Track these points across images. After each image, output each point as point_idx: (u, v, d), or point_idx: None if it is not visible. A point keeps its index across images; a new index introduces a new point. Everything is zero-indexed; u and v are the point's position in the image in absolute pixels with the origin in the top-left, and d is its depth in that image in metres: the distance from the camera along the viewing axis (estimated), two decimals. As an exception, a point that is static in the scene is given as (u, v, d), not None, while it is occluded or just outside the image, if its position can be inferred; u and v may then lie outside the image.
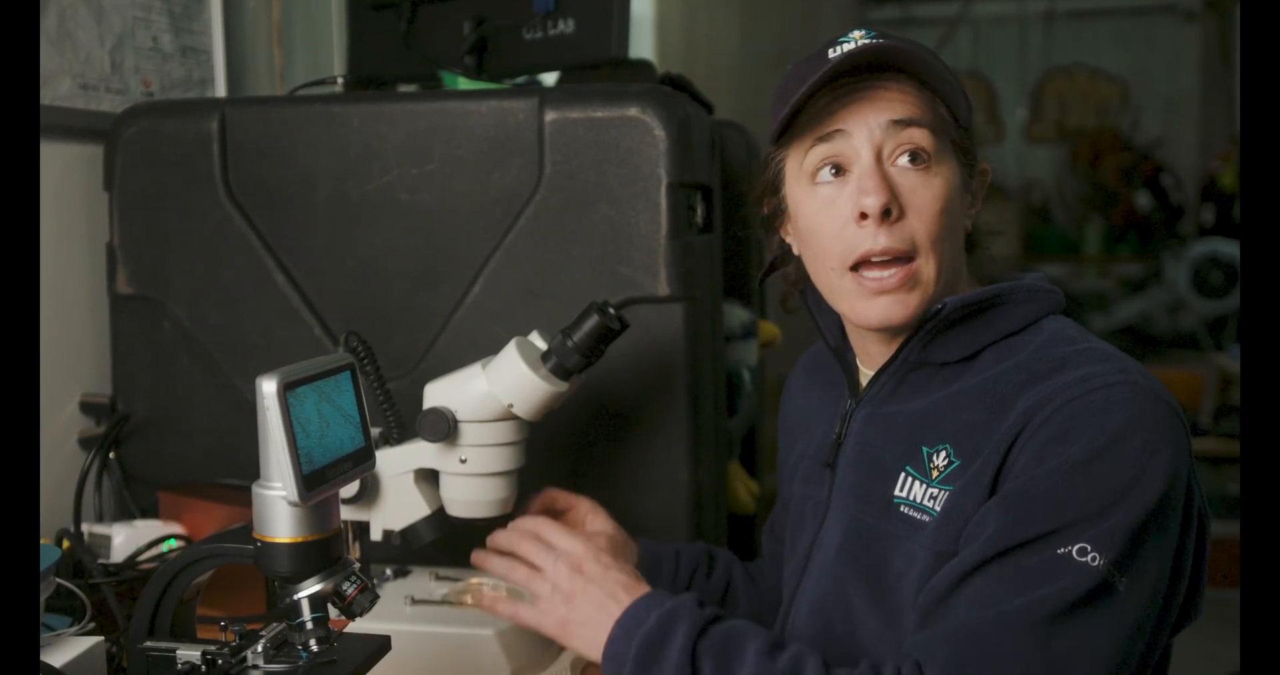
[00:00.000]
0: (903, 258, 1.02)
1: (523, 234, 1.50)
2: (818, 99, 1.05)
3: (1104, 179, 6.89)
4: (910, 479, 1.05)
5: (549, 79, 2.03)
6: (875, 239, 1.01)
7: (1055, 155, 7.20)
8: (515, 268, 1.50)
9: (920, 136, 1.02)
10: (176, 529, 1.53)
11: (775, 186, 1.12)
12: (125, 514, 1.64)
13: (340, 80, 1.79)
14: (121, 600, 1.34)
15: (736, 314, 1.88)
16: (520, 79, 1.84)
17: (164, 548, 1.47)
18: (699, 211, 1.55)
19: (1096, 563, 0.91)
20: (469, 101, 1.52)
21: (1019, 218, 6.72)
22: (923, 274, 1.03)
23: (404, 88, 1.96)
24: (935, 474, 1.03)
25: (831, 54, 1.02)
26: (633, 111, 1.46)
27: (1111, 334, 5.86)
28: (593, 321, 1.28)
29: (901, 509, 1.05)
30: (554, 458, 1.50)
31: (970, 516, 0.99)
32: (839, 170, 1.04)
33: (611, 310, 1.29)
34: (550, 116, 1.48)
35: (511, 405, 1.29)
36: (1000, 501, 0.96)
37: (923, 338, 1.06)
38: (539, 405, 1.30)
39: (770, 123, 1.09)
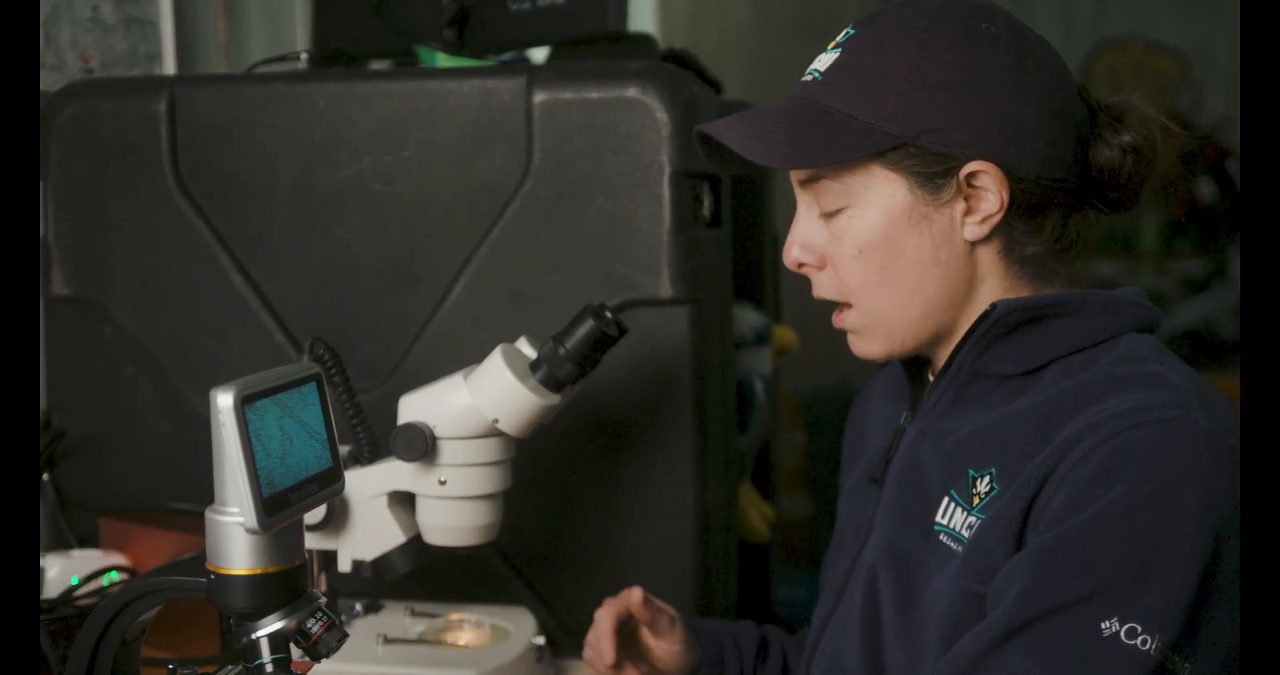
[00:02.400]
0: (842, 303, 1.13)
1: (509, 229, 1.50)
2: None
3: (1162, 165, 6.89)
4: (953, 505, 1.06)
5: (538, 55, 2.04)
6: (814, 286, 1.14)
7: (1106, 139, 7.20)
8: (501, 266, 1.51)
9: (817, 191, 1.10)
10: (119, 560, 1.53)
11: None
12: (61, 543, 1.64)
13: (304, 56, 1.80)
14: (56, 641, 1.34)
15: (748, 318, 1.89)
16: (506, 55, 1.85)
17: (105, 581, 1.48)
18: (706, 203, 1.55)
19: (1148, 646, 0.89)
20: (448, 81, 1.52)
21: (1065, 209, 6.71)
22: (866, 313, 1.11)
23: (375, 65, 1.96)
24: (976, 501, 1.04)
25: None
26: (632, 92, 1.46)
27: (1170, 340, 5.84)
28: (587, 326, 1.29)
29: (940, 537, 1.06)
30: (544, 479, 1.50)
31: (994, 551, 0.99)
32: None
33: (608, 314, 1.30)
34: (539, 97, 1.48)
35: (497, 420, 1.29)
36: (1030, 556, 0.95)
37: (975, 344, 1.07)
38: (527, 420, 1.30)
39: None
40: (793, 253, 1.13)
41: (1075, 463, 0.96)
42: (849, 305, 1.12)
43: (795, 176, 1.12)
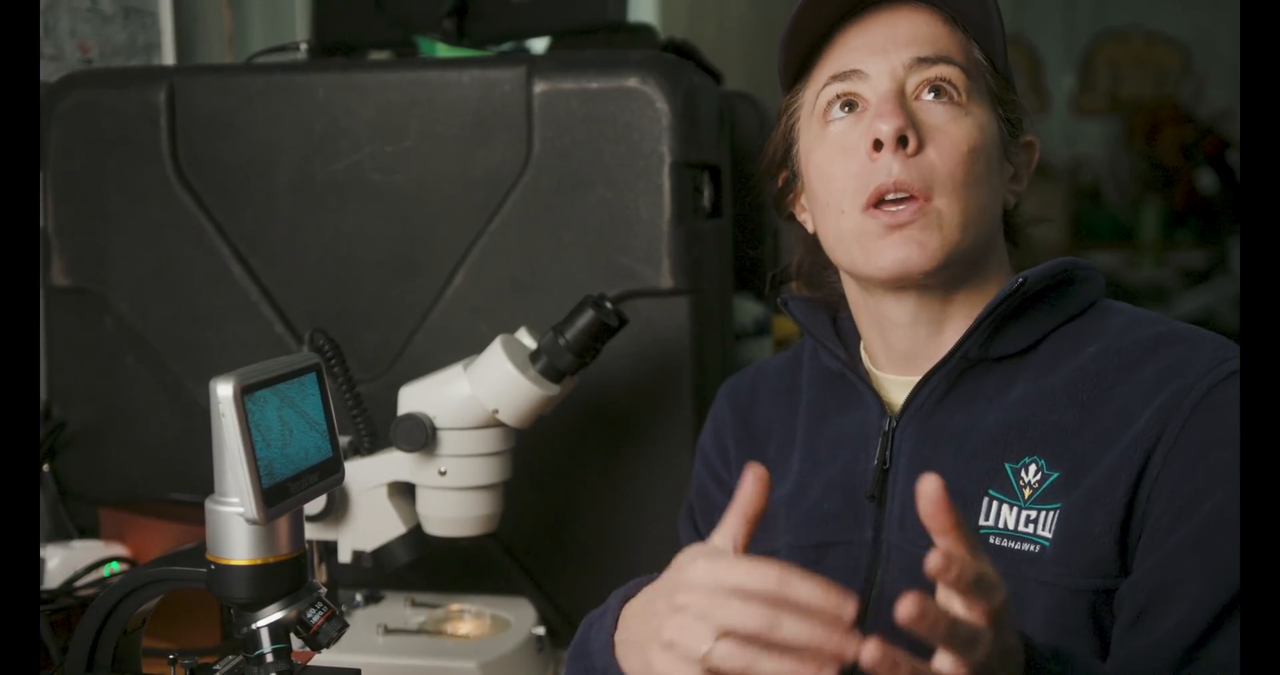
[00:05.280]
0: (920, 196, 1.00)
1: (509, 219, 1.50)
2: (834, 36, 1.06)
3: (1162, 156, 6.90)
4: (997, 504, 1.00)
5: (538, 46, 2.04)
6: (889, 170, 1.00)
7: (1107, 130, 7.21)
8: (501, 257, 1.51)
9: (948, 72, 1.02)
10: (119, 550, 1.53)
11: (788, 147, 1.11)
12: (61, 534, 1.64)
13: (303, 46, 1.80)
14: (56, 631, 1.34)
15: (748, 309, 1.89)
16: (506, 46, 1.84)
17: (105, 571, 1.48)
18: (706, 194, 1.55)
19: None
20: (448, 71, 1.52)
21: (1066, 200, 6.72)
22: (943, 215, 1.00)
23: (375, 55, 1.96)
24: (1028, 493, 0.99)
25: None
26: (632, 82, 1.46)
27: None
28: (587, 317, 1.29)
29: (992, 540, 1.00)
30: (544, 470, 1.50)
31: (1101, 538, 0.95)
32: (852, 106, 1.05)
33: (608, 304, 1.30)
34: (540, 88, 1.48)
35: (497, 410, 1.29)
36: (1188, 549, 0.92)
37: (991, 324, 1.03)
38: (527, 410, 1.30)
39: (780, 68, 1.08)
40: (899, 121, 0.99)
41: (1182, 428, 0.95)
42: (924, 199, 1.00)
43: (931, 49, 1.03)
